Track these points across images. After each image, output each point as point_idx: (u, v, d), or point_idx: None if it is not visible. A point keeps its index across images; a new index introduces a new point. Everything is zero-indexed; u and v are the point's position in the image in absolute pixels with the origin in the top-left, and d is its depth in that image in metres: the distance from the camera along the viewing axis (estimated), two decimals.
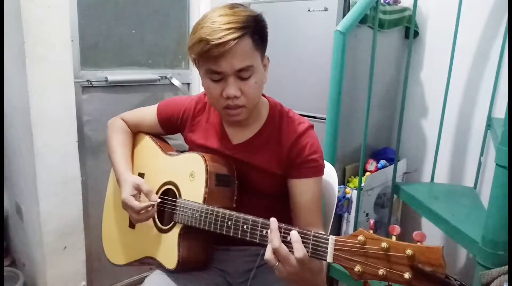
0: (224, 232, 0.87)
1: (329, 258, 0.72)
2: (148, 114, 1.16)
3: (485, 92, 1.84)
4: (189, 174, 0.98)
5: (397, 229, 0.69)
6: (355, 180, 1.84)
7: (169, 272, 0.99)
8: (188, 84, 2.13)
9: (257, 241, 0.82)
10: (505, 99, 1.76)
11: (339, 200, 1.73)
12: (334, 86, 1.48)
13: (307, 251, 0.74)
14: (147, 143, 1.16)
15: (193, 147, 1.09)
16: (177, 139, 1.21)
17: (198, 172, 0.96)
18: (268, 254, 0.76)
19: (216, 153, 1.02)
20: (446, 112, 1.88)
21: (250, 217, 0.84)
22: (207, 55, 0.85)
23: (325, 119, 1.55)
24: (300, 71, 1.84)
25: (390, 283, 0.68)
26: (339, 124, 1.52)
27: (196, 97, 1.12)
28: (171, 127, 1.15)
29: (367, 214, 1.88)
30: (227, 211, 0.88)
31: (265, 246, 0.78)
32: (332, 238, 0.73)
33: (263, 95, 1.04)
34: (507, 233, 1.11)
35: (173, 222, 0.98)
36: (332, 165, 1.22)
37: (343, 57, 1.45)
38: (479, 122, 1.89)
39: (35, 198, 1.63)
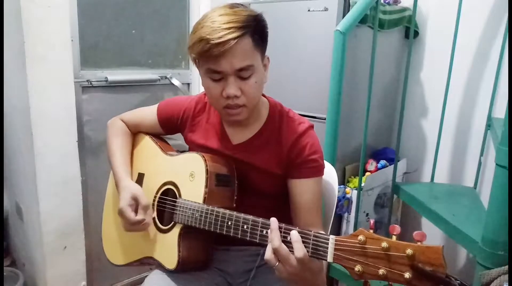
0: (224, 232, 0.87)
1: (329, 258, 0.72)
2: (148, 114, 1.16)
3: (485, 92, 1.84)
4: (189, 174, 0.98)
5: (397, 228, 0.69)
6: (355, 180, 1.84)
7: (169, 272, 0.99)
8: (188, 84, 2.13)
9: (257, 241, 0.82)
10: (505, 99, 1.76)
11: (339, 200, 1.73)
12: (334, 86, 1.48)
13: (307, 251, 0.74)
14: (147, 143, 1.16)
15: (193, 147, 1.09)
16: (177, 139, 1.21)
17: (198, 172, 0.96)
18: (268, 254, 0.76)
19: (216, 153, 1.02)
20: (446, 112, 1.88)
21: (250, 217, 0.84)
22: (207, 54, 0.85)
23: (325, 119, 1.55)
24: (300, 71, 1.84)
25: (390, 282, 0.68)
26: (339, 124, 1.52)
27: (196, 97, 1.12)
28: (171, 127, 1.15)
29: (367, 214, 1.88)
30: (227, 211, 0.88)
31: (265, 246, 0.78)
32: (332, 238, 0.73)
33: (263, 95, 1.04)
34: (507, 233, 1.11)
35: (173, 222, 0.98)
36: (332, 165, 1.22)
37: (343, 57, 1.45)
38: (479, 122, 1.89)
39: (35, 198, 1.63)
